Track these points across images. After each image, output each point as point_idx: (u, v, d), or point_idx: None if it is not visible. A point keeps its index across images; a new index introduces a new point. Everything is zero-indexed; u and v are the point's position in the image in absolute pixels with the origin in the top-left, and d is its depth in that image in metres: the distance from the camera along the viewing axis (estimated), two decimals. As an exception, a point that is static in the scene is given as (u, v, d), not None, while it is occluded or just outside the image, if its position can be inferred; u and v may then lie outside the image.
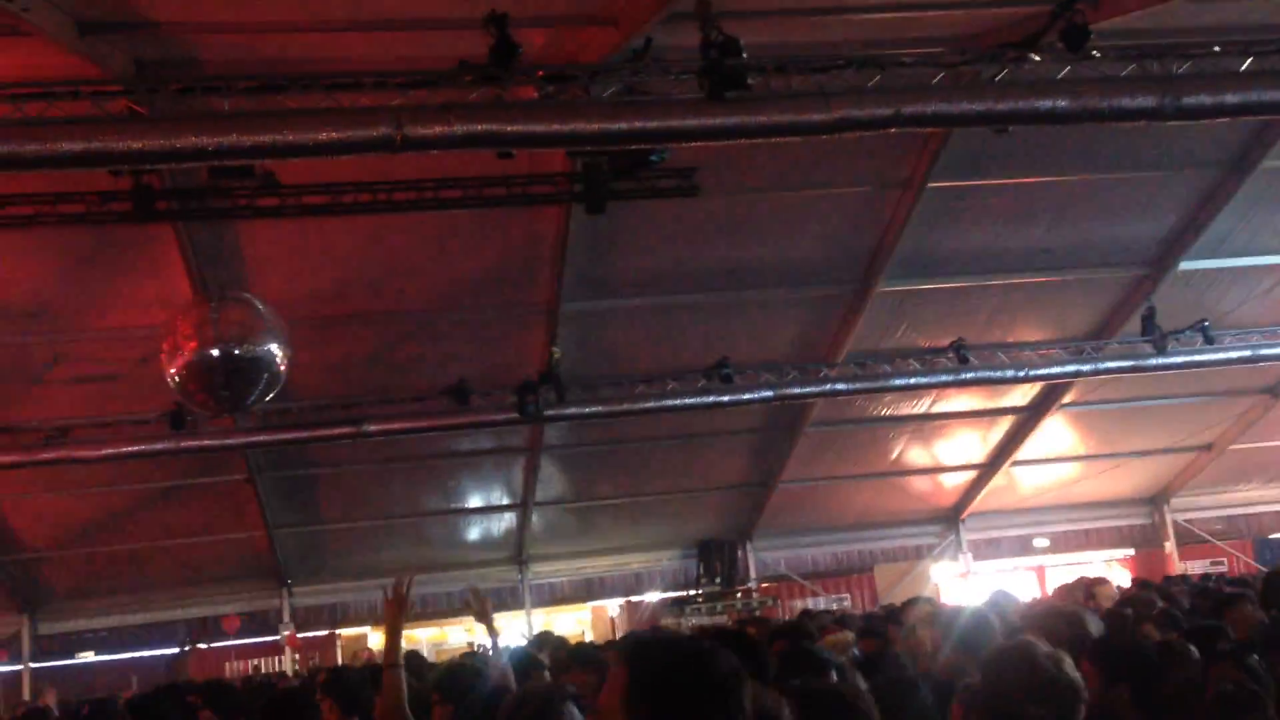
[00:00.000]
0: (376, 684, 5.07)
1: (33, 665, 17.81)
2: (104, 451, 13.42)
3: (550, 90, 8.06)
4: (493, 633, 5.72)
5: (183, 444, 13.49)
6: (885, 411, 17.03)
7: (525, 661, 6.34)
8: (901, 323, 14.63)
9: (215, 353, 10.31)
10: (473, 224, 11.76)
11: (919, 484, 19.57)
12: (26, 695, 16.81)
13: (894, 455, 18.32)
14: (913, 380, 14.81)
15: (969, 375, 14.74)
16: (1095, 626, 5.00)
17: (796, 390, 14.59)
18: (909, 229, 12.85)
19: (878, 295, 13.86)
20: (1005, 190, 12.79)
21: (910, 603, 8.08)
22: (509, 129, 7.74)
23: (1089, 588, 10.01)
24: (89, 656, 18.39)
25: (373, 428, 13.74)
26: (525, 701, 3.64)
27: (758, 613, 17.08)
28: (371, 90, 7.78)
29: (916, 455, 18.57)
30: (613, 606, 20.49)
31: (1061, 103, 8.17)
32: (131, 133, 7.32)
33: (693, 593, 19.01)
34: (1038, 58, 8.45)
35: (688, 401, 14.16)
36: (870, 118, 8.09)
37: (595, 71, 8.19)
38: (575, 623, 20.07)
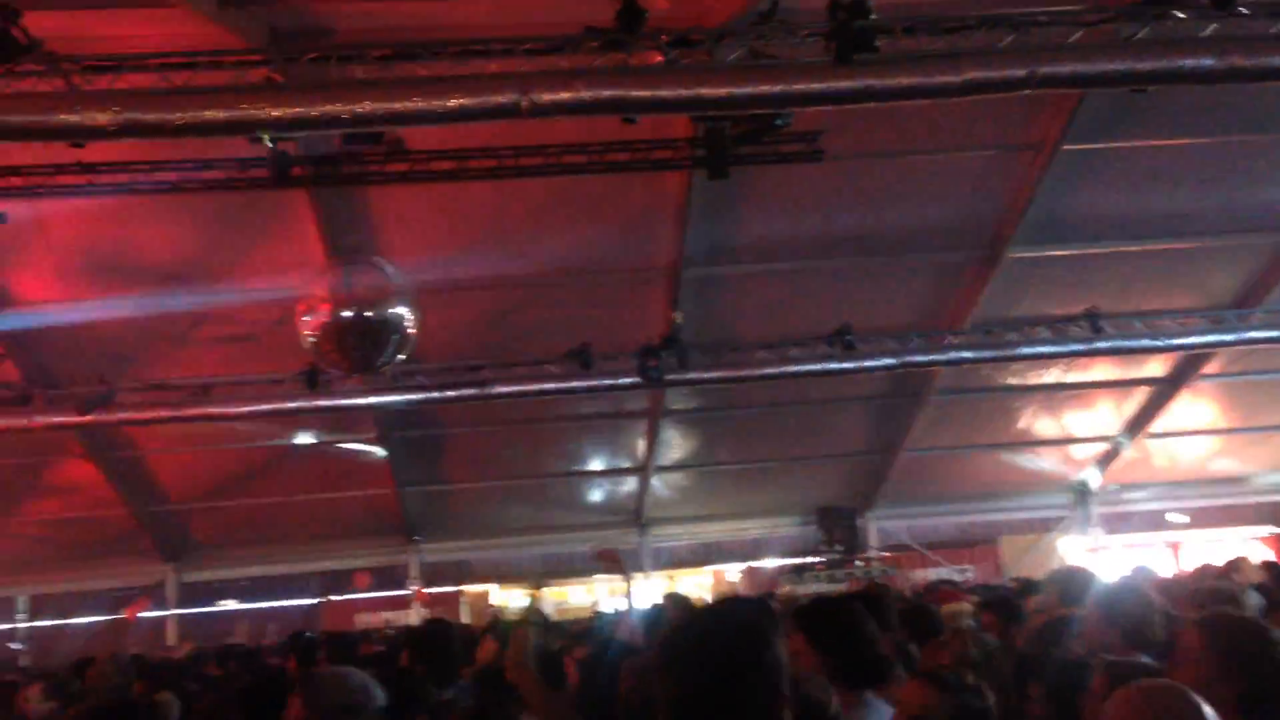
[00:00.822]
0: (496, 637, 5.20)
1: (177, 612, 18.71)
2: (243, 409, 13.98)
3: (675, 55, 8.03)
4: (628, 591, 5.80)
5: (316, 403, 13.94)
6: (1012, 380, 16.66)
7: (656, 620, 6.44)
8: (1031, 290, 14.26)
9: (347, 315, 10.62)
10: (596, 188, 11.83)
11: (1047, 455, 19.12)
12: (171, 640, 17.70)
13: (1021, 425, 17.94)
14: (1043, 349, 14.44)
15: (1103, 345, 14.30)
16: (1254, 605, 4.81)
17: (920, 358, 14.37)
18: (1040, 193, 12.48)
19: (1007, 261, 13.53)
20: (1143, 153, 12.32)
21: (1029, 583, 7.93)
22: (633, 94, 7.76)
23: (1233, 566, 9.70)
24: (230, 605, 19.25)
25: (497, 389, 13.99)
26: (633, 673, 3.73)
27: (878, 581, 16.94)
28: (499, 57, 7.87)
29: (1045, 425, 18.15)
30: (732, 571, 20.56)
31: (1206, 61, 7.81)
32: (269, 101, 7.55)
33: (812, 560, 18.95)
34: (1181, 15, 8.10)
35: (809, 368, 14.06)
36: (1003, 79, 7.88)
37: (720, 35, 8.13)
38: (695, 587, 20.19)
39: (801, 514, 19.40)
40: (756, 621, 2.21)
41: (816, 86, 7.80)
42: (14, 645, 18.71)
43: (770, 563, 19.93)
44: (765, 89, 7.82)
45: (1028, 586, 9.19)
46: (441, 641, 4.32)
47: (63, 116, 7.36)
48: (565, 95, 7.55)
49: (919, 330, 14.37)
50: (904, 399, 16.80)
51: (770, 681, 2.10)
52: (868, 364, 14.17)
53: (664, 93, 7.85)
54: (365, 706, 3.55)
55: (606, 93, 7.66)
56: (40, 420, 13.65)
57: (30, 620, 19.28)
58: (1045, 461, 19.23)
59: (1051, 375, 16.54)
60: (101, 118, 7.30)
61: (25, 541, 18.05)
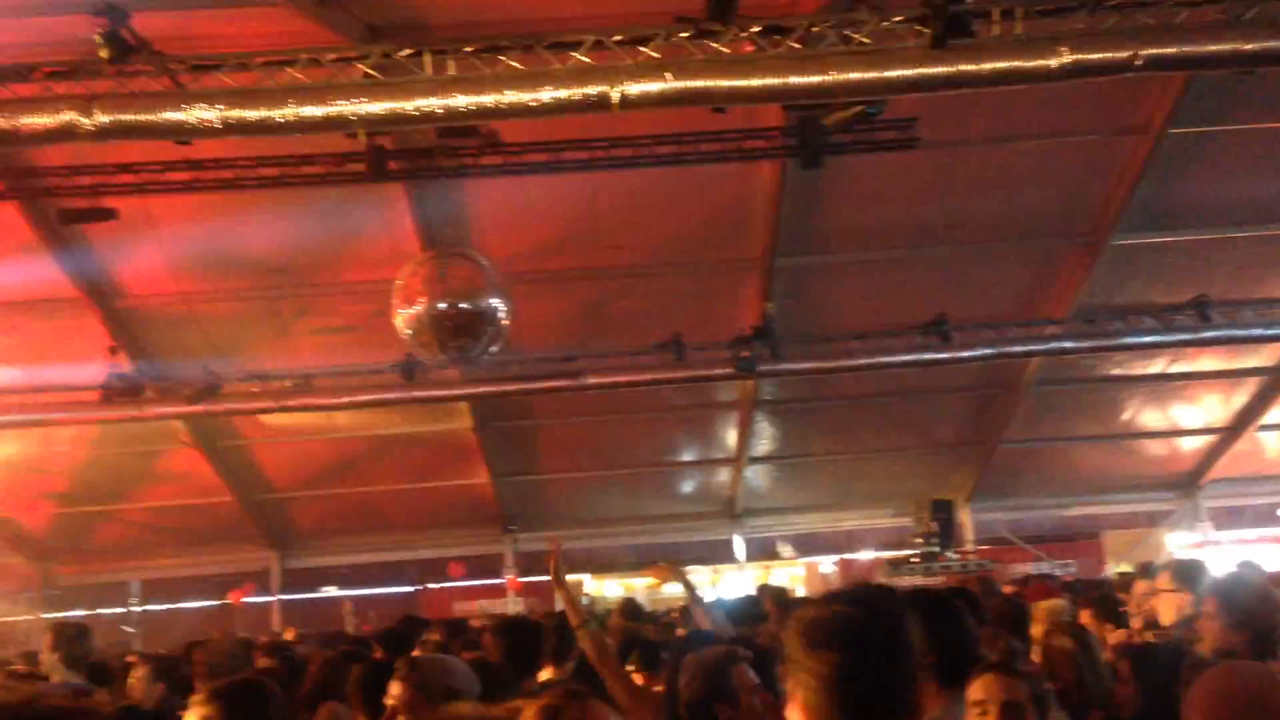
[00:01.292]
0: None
1: (281, 598, 19.22)
2: (342, 399, 14.29)
3: (766, 43, 7.98)
4: (689, 588, 5.78)
5: (413, 394, 14.18)
6: (1116, 371, 16.26)
7: (745, 612, 6.43)
8: (1135, 277, 13.88)
9: (443, 307, 10.78)
10: (687, 179, 11.81)
11: (1153, 447, 18.61)
12: (276, 626, 18.17)
13: (1125, 416, 17.49)
14: (1148, 338, 14.03)
15: (1211, 334, 13.85)
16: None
17: (1019, 348, 14.10)
18: (1145, 178, 12.14)
19: (1110, 248, 13.19)
20: (1253, 136, 11.89)
21: (1147, 566, 7.72)
22: (724, 84, 7.72)
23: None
24: (331, 591, 19.71)
25: (590, 380, 14.07)
26: (700, 664, 3.73)
27: (976, 575, 16.66)
28: (590, 49, 7.90)
29: (1150, 417, 17.67)
30: (826, 563, 20.42)
31: (1317, 41, 7.52)
32: (367, 97, 7.69)
33: (907, 552, 18.70)
34: (1293, -8, 7.80)
35: (904, 359, 13.89)
36: (1105, 62, 7.66)
37: (812, 22, 8.05)
38: (789, 579, 20.09)
39: (897, 506, 19.13)
40: (898, 603, 2.27)
41: (911, 73, 7.68)
42: (127, 629, 19.38)
43: (865, 555, 19.74)
44: (858, 76, 7.72)
45: (1136, 573, 8.93)
46: (527, 634, 4.37)
47: (171, 115, 7.59)
48: (656, 87, 7.55)
49: (1017, 320, 14.08)
50: (1002, 390, 16.49)
51: (913, 662, 2.16)
52: (964, 354, 13.92)
53: (755, 82, 7.80)
54: (466, 692, 3.63)
55: (697, 83, 7.64)
56: (151, 411, 14.14)
57: (142, 605, 19.95)
58: (1150, 454, 18.72)
59: (1157, 365, 16.10)
60: (207, 115, 7.51)
61: (137, 528, 18.72)
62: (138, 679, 5.21)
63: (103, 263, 12.94)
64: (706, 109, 8.32)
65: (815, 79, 7.70)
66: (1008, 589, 11.93)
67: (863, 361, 13.94)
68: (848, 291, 14.14)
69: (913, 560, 18.20)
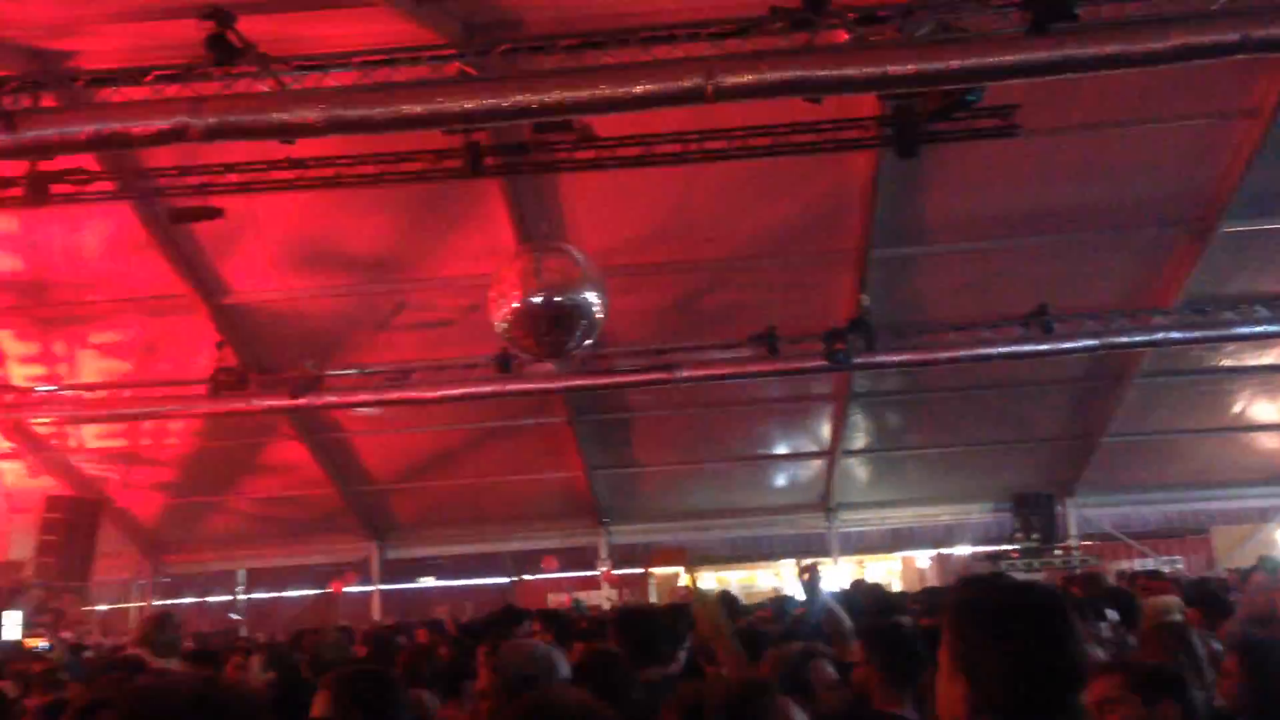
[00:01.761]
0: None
1: (381, 587, 19.60)
2: (439, 393, 14.50)
3: (861, 32, 7.89)
4: (814, 584, 5.72)
5: (508, 387, 14.33)
6: (1226, 362, 15.75)
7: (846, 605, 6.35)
8: (1246, 265, 13.42)
9: (538, 301, 10.87)
10: (781, 170, 11.73)
11: (1265, 441, 17.98)
12: (376, 615, 18.55)
13: (1236, 409, 16.94)
14: (1260, 329, 13.57)
15: (1328, 323, 13.35)
16: None
17: (1124, 339, 13.72)
18: (1257, 163, 11.70)
19: (1219, 236, 12.77)
20: (1375, 117, 11.41)
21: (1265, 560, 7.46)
22: (820, 74, 7.66)
23: None
24: (429, 581, 20.04)
25: (684, 373, 14.08)
26: (781, 658, 3.73)
27: (1078, 571, 16.32)
28: (684, 42, 7.90)
29: (1262, 410, 17.08)
30: (922, 558, 20.18)
31: None
32: (464, 94, 7.79)
33: (1007, 548, 18.39)
34: None
35: (1004, 350, 13.63)
36: (1214, 44, 7.42)
37: (909, 9, 7.93)
38: (885, 573, 19.90)
39: (996, 500, 18.83)
40: (1057, 594, 2.33)
41: (1011, 58, 7.53)
42: (234, 616, 19.94)
43: (962, 549, 19.44)
44: (956, 64, 7.59)
45: (1253, 568, 8.68)
46: (644, 623, 4.37)
47: (275, 115, 7.78)
48: (750, 78, 7.52)
49: (1123, 310, 13.72)
50: (1106, 382, 16.09)
51: (1080, 651, 2.18)
52: (1067, 345, 13.63)
53: (850, 72, 7.72)
54: (547, 676, 3.67)
55: (791, 74, 7.59)
56: (256, 404, 14.51)
57: (248, 593, 20.51)
58: (1262, 447, 18.08)
59: (1269, 356, 15.56)
60: (310, 115, 7.68)
61: (243, 518, 19.25)
62: (250, 666, 5.38)
63: (210, 260, 13.33)
64: (801, 100, 8.26)
65: (913, 67, 7.60)
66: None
67: (961, 353, 13.72)
68: (945, 282, 13.92)
69: (1012, 555, 17.91)
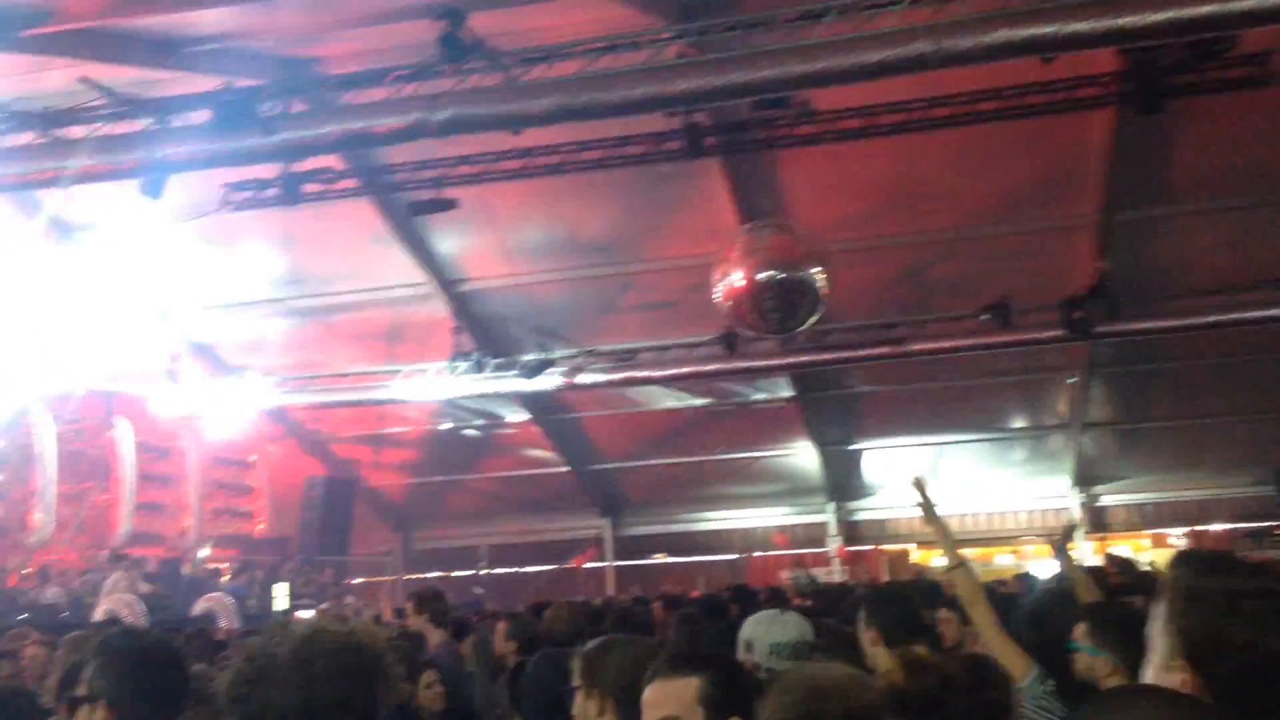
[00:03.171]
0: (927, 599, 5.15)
1: (615, 564, 20.07)
2: (665, 373, 14.72)
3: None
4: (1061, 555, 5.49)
5: (734, 365, 14.39)
6: None
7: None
8: None
9: (761, 278, 10.86)
10: (1008, 135, 11.28)
11: None
12: (611, 589, 18.99)
13: None
14: None
15: None
16: None
17: (1402, 298, 12.55)
18: None
19: None
20: None
21: None
22: (1050, 31, 7.29)
23: None
24: (660, 558, 20.37)
25: (914, 347, 13.78)
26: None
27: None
28: (906, 8, 7.69)
29: None
30: (1176, 536, 19.06)
31: None
32: (684, 75, 7.84)
33: (1271, 524, 17.13)
34: None
35: (1266, 314, 12.67)
36: None
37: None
38: (1133, 551, 18.91)
39: (1255, 474, 17.57)
40: None
41: (1265, 2, 6.98)
42: (478, 590, 20.83)
43: (1219, 527, 18.26)
44: (1203, 10, 7.07)
45: None
46: (895, 601, 4.30)
47: (504, 107, 8.06)
48: (979, 40, 7.25)
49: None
50: (1382, 345, 14.76)
51: None
52: (1336, 307, 12.59)
53: (1083, 27, 7.28)
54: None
55: (1021, 33, 7.26)
56: (491, 389, 15.09)
57: (490, 569, 21.38)
58: None
59: None
60: (537, 106, 7.92)
61: (484, 497, 20.10)
62: (497, 632, 5.65)
63: (445, 250, 13.95)
64: (1031, 60, 7.91)
65: (1155, 17, 7.12)
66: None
67: (1214, 319, 12.87)
68: (1194, 244, 13.07)
69: (1277, 533, 16.69)
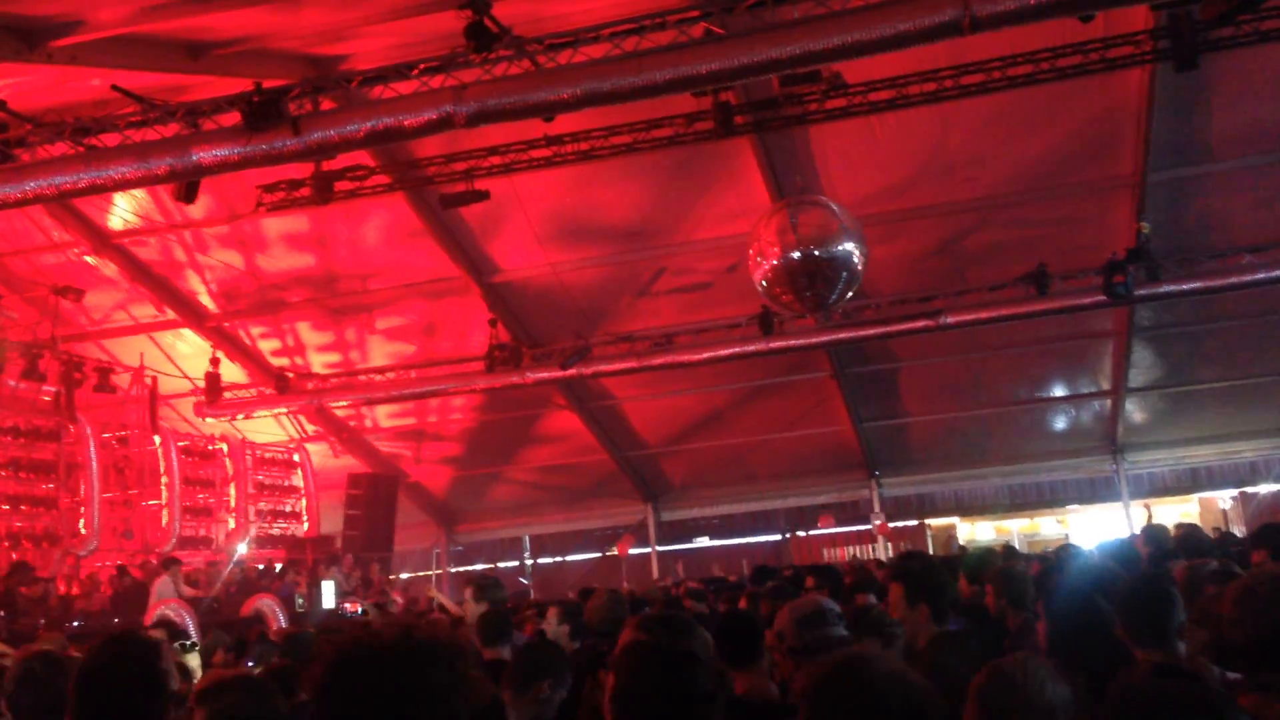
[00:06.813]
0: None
1: (658, 549, 20.07)
2: (703, 355, 14.67)
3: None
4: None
5: (771, 344, 14.31)
6: None
7: (1122, 554, 6.04)
8: None
9: (797, 256, 10.77)
10: (1043, 99, 11.14)
11: None
12: (655, 574, 18.99)
13: None
14: None
15: None
16: None
17: None
18: None
19: None
20: None
21: None
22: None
23: None
24: (704, 541, 20.36)
25: (951, 319, 13.67)
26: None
27: None
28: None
29: None
30: (1223, 498, 18.83)
31: None
32: (712, 54, 7.77)
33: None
34: None
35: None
36: None
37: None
38: (1180, 515, 18.72)
39: (1308, 434, 17.34)
40: None
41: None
42: (522, 580, 20.90)
43: (1267, 488, 18.01)
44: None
45: None
46: (930, 576, 4.27)
47: (532, 95, 8.01)
48: (1010, 4, 7.12)
49: None
50: None
51: None
52: (1383, 260, 12.37)
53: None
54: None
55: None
56: (530, 377, 15.11)
57: (533, 558, 21.46)
58: None
59: None
60: (565, 92, 7.88)
61: (524, 487, 20.14)
62: (549, 618, 5.67)
63: (478, 242, 13.94)
64: (1060, 22, 7.79)
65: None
66: None
67: (1260, 276, 12.67)
68: (1236, 201, 12.87)
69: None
